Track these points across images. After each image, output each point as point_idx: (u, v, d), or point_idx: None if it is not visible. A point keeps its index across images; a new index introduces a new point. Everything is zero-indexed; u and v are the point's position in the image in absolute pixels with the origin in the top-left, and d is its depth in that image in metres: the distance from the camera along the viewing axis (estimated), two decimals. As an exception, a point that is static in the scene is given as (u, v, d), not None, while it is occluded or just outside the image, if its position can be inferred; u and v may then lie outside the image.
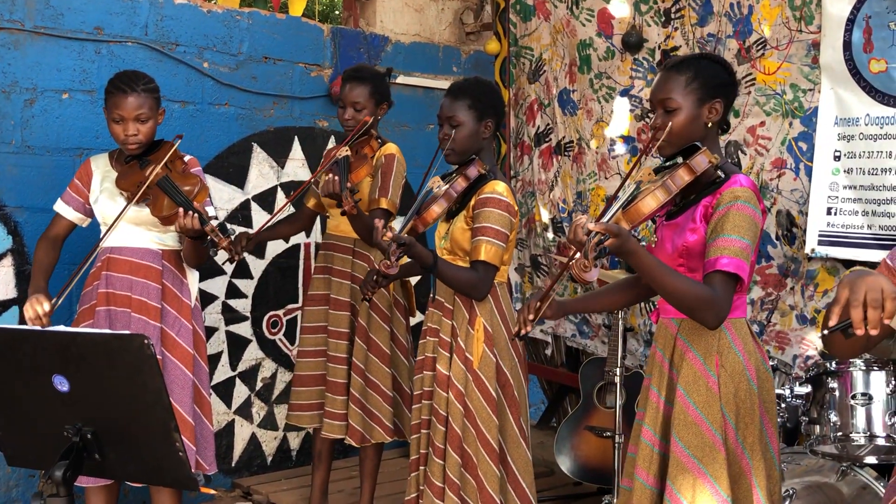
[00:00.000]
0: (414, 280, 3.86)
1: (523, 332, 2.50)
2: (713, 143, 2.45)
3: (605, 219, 2.23)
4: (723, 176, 2.36)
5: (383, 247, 2.70)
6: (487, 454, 2.90)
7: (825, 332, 1.75)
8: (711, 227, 2.31)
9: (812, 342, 3.54)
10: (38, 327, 2.98)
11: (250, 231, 3.61)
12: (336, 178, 3.27)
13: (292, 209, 4.01)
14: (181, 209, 3.01)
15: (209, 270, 4.15)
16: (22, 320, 3.63)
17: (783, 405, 2.94)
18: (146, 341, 1.83)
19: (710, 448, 2.31)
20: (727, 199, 2.30)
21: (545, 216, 4.72)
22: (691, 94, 2.40)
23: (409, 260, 3.00)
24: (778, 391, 2.91)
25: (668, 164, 2.41)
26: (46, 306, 3.00)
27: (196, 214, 2.99)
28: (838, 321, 1.70)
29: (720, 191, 2.33)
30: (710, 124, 2.42)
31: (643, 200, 2.25)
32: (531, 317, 2.47)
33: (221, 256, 4.05)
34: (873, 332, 1.67)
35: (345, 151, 3.43)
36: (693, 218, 2.38)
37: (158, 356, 3.13)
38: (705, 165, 2.31)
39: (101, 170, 3.27)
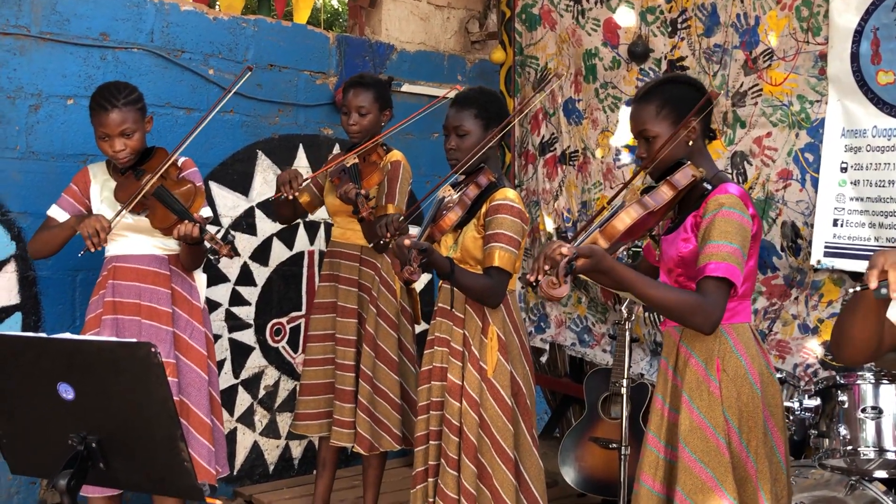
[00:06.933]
0: (419, 288, 3.84)
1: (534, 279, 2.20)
2: (700, 156, 2.51)
3: (579, 240, 2.30)
4: (710, 188, 2.42)
5: (404, 253, 2.67)
6: (503, 463, 2.88)
7: (857, 288, 1.76)
8: (700, 236, 2.37)
9: (812, 351, 3.53)
10: (93, 248, 2.96)
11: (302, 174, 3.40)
12: (353, 184, 3.27)
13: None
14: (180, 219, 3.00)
15: (213, 278, 4.14)
16: (26, 327, 3.63)
17: (791, 417, 2.92)
18: (153, 349, 1.82)
19: (714, 452, 2.34)
20: (712, 207, 2.36)
21: (549, 225, 4.71)
22: (664, 120, 2.47)
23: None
24: (787, 403, 2.90)
25: (655, 184, 2.47)
26: (106, 224, 2.98)
27: (195, 224, 2.98)
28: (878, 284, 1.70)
29: (706, 200, 2.39)
30: (690, 142, 2.47)
31: (618, 217, 2.35)
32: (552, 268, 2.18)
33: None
34: None
35: (353, 159, 3.44)
36: (685, 228, 2.43)
37: (172, 360, 3.12)
38: (687, 180, 2.39)
39: (100, 179, 3.23)
